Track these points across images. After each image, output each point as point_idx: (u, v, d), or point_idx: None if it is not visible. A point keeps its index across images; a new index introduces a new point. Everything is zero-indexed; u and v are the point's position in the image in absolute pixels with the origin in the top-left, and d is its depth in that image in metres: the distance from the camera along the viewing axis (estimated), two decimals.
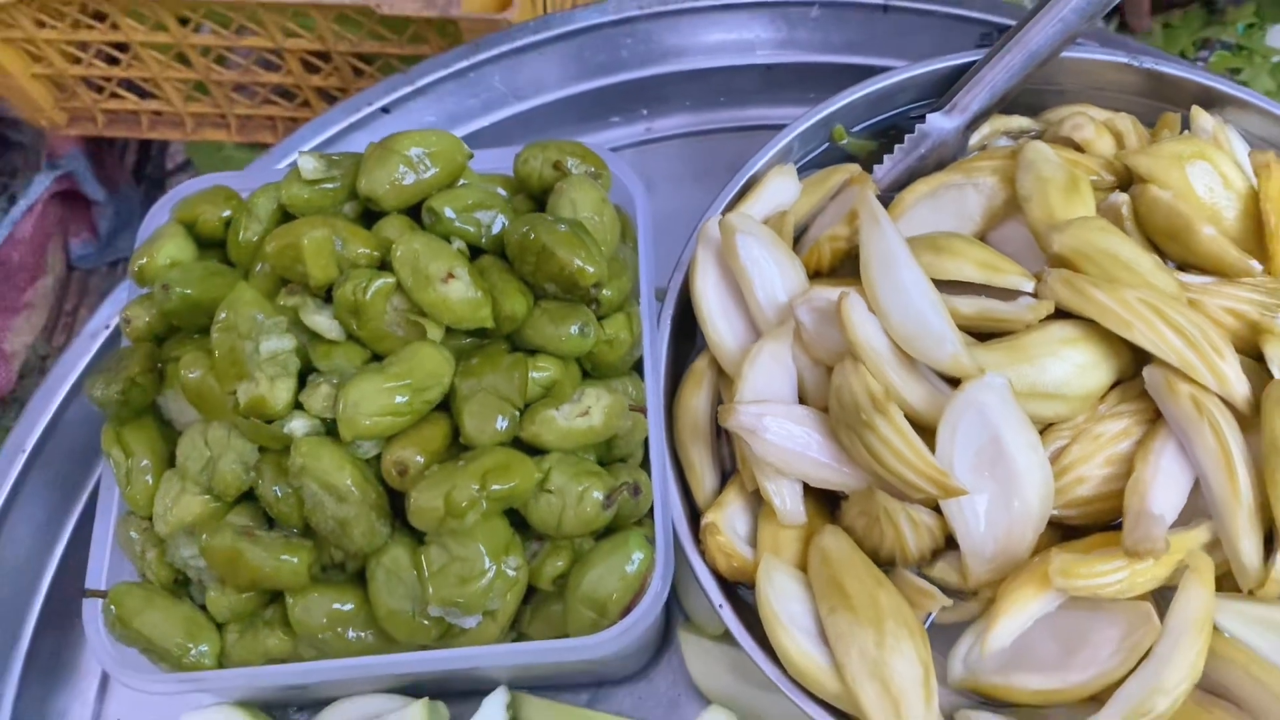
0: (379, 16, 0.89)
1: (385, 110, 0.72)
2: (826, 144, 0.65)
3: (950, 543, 0.52)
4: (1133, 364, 0.53)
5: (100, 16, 1.00)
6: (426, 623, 0.47)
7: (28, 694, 0.60)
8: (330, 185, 0.53)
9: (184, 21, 0.99)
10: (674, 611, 0.59)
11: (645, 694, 0.59)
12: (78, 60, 1.04)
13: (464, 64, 0.73)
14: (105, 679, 0.61)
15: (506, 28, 0.78)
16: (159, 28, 0.99)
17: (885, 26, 0.72)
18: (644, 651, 0.57)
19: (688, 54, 0.75)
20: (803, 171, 0.64)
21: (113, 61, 1.06)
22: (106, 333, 0.63)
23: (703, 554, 0.53)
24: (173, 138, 1.12)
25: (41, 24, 1.00)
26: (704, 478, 0.55)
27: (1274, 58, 1.23)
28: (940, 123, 0.62)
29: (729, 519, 0.54)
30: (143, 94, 1.09)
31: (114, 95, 1.09)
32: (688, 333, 0.59)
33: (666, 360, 0.57)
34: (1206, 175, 0.57)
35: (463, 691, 0.56)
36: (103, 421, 0.58)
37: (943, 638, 0.52)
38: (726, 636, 0.57)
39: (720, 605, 0.52)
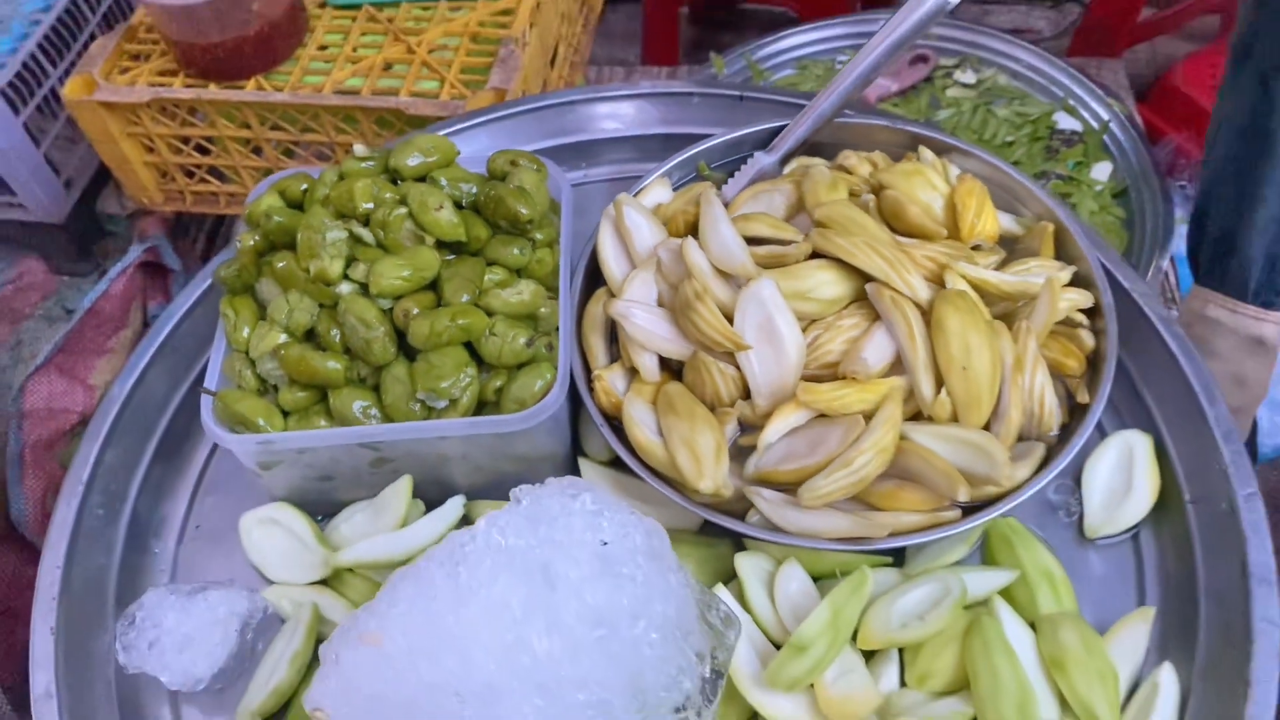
0: (407, 116, 1.19)
1: None
2: (694, 174, 0.96)
3: (746, 394, 0.82)
4: (863, 287, 0.83)
5: (200, 115, 1.30)
6: (415, 407, 0.76)
7: (141, 505, 0.85)
8: (371, 164, 0.85)
9: (262, 121, 1.27)
10: (578, 455, 0.87)
11: None
12: (179, 151, 1.31)
13: (460, 125, 1.01)
14: (192, 498, 0.87)
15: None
16: (244, 125, 1.27)
17: (741, 109, 1.01)
18: (557, 469, 0.86)
19: (609, 126, 1.03)
20: (678, 188, 0.96)
21: (204, 152, 1.32)
22: (207, 283, 0.94)
23: (593, 396, 0.83)
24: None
25: (157, 121, 1.28)
26: (598, 356, 0.84)
27: (1096, 186, 1.57)
28: (764, 158, 0.94)
29: (612, 379, 0.82)
30: (223, 178, 1.37)
31: (201, 180, 1.36)
32: (596, 282, 0.90)
33: (580, 291, 0.88)
34: (924, 184, 0.88)
35: (435, 501, 0.83)
36: (196, 337, 0.89)
37: (741, 457, 0.80)
38: (612, 463, 0.86)
39: (601, 425, 0.80)
